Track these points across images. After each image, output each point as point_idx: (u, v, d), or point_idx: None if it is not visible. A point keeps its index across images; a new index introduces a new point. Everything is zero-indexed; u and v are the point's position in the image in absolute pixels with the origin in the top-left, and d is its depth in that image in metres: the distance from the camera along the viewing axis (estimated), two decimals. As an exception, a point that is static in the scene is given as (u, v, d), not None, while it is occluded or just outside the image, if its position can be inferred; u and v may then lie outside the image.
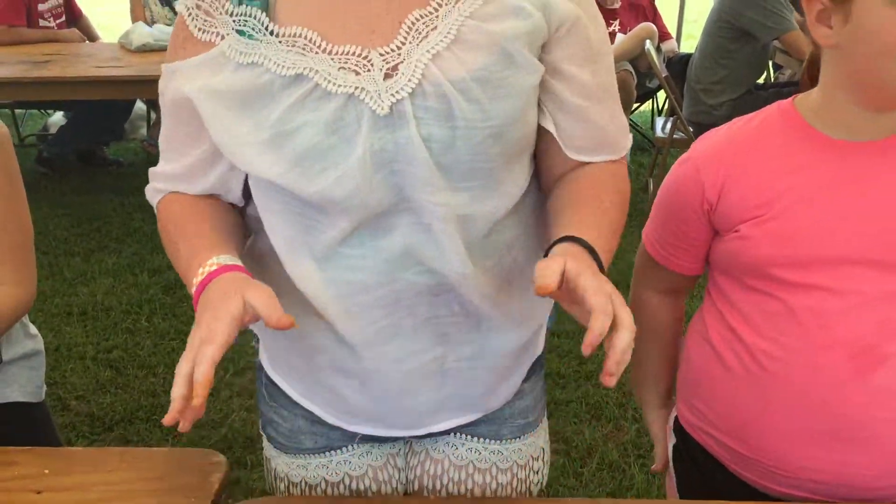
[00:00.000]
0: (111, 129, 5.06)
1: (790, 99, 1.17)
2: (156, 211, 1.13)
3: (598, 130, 1.06)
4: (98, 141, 5.10)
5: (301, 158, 0.94)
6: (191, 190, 1.09)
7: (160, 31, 4.43)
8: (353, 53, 0.95)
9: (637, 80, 4.88)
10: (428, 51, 0.94)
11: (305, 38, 0.95)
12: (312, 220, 1.00)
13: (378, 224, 0.99)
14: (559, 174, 1.09)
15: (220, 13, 0.97)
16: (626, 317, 0.86)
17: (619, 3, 5.23)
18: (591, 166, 1.08)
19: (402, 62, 0.94)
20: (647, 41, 4.39)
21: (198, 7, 0.99)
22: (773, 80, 4.78)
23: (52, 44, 4.58)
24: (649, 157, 4.91)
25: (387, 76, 0.94)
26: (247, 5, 0.97)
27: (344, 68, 0.94)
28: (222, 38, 0.97)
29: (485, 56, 0.94)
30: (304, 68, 0.94)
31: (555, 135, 1.04)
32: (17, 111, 5.53)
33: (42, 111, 5.86)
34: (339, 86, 0.93)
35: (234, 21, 0.97)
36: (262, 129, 0.95)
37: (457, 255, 1.00)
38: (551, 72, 1.00)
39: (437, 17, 0.95)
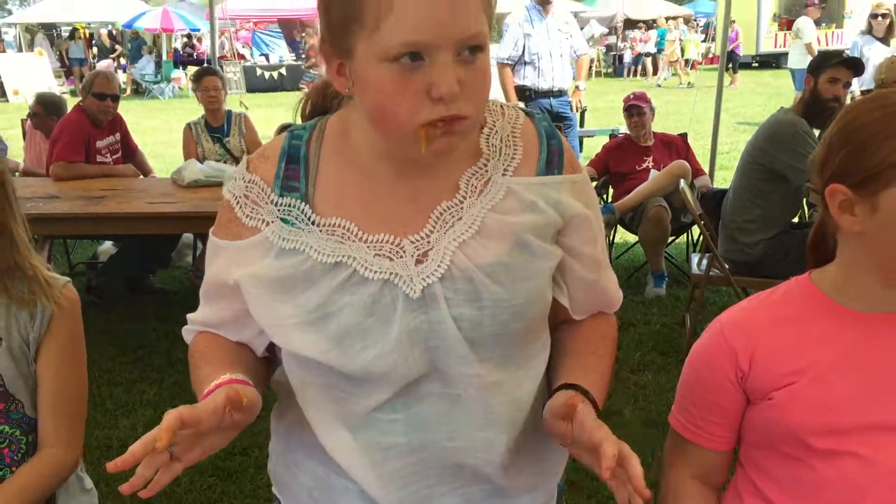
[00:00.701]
0: (159, 258, 5.23)
1: (806, 275, 1.22)
2: (189, 345, 1.21)
3: (604, 296, 1.21)
4: (145, 270, 5.25)
5: (342, 338, 1.02)
6: (220, 333, 1.17)
7: (211, 168, 4.63)
8: (387, 241, 1.04)
9: (671, 216, 4.96)
10: (455, 239, 1.04)
11: (343, 227, 1.05)
12: (347, 393, 1.07)
13: (410, 392, 1.06)
14: (556, 323, 1.20)
15: (266, 203, 1.07)
16: (626, 447, 0.95)
17: (653, 140, 5.39)
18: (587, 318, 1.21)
19: (431, 249, 1.04)
20: (682, 180, 4.49)
21: (245, 197, 1.09)
22: (807, 218, 4.82)
23: (108, 179, 4.79)
24: (685, 289, 4.93)
25: (418, 262, 1.04)
26: (289, 197, 1.07)
27: (379, 255, 1.04)
28: (267, 224, 1.06)
29: (506, 245, 1.05)
30: (343, 256, 1.03)
31: (568, 306, 1.16)
32: (69, 239, 5.74)
33: (93, 239, 6.06)
34: (376, 272, 1.03)
35: (278, 210, 1.06)
36: (305, 311, 1.03)
37: (484, 422, 1.07)
38: (570, 252, 1.12)
39: (461, 208, 1.06)
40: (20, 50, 22.52)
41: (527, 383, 1.13)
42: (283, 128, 4.95)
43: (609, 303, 1.22)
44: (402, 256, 1.04)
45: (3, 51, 22.04)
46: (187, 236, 5.55)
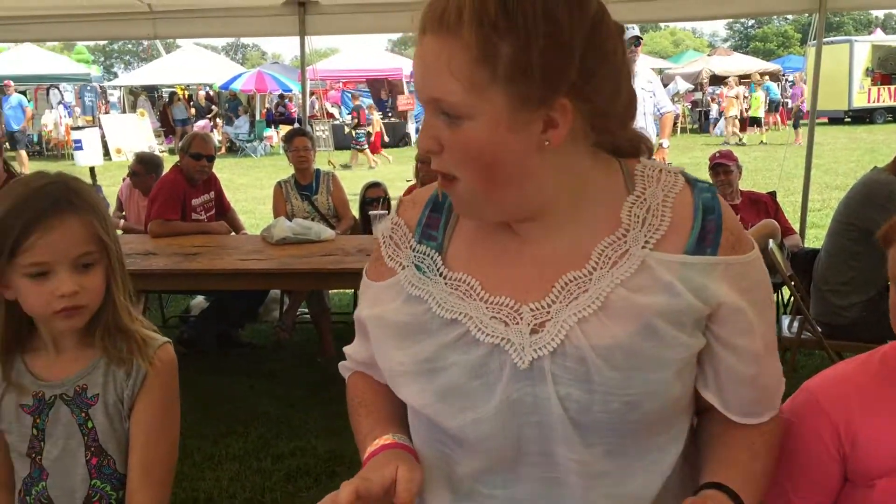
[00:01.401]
0: (248, 312, 5.37)
1: None
2: (346, 383, 1.25)
3: (763, 392, 1.07)
4: (234, 324, 5.39)
5: (445, 395, 1.01)
6: (374, 375, 1.19)
7: (299, 226, 4.75)
8: (506, 305, 1.02)
9: (760, 276, 4.83)
10: (575, 314, 0.98)
11: (467, 284, 1.04)
12: (450, 450, 1.06)
13: (512, 470, 1.02)
14: (707, 407, 1.09)
15: (406, 247, 1.10)
16: None
17: (740, 198, 5.29)
18: None
19: (549, 320, 0.99)
20: (771, 240, 4.38)
21: (391, 238, 1.12)
22: (905, 279, 4.62)
23: (201, 236, 4.97)
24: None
25: (533, 331, 1.00)
26: (426, 245, 1.09)
27: (495, 318, 1.01)
28: (403, 268, 1.09)
29: (630, 326, 0.97)
30: (460, 313, 1.02)
31: (718, 405, 1.05)
32: (164, 294, 5.96)
33: (186, 294, 6.27)
34: (488, 335, 1.00)
35: (415, 256, 1.08)
36: (415, 360, 1.03)
37: None
38: (721, 343, 1.02)
39: (589, 280, 1.00)
40: (124, 111, 23.75)
41: (642, 477, 1.02)
42: (369, 186, 5.06)
43: (770, 401, 1.09)
44: (517, 323, 1.00)
45: (108, 112, 23.27)
46: (274, 292, 5.70)
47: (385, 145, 19.92)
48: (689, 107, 24.75)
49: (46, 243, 1.30)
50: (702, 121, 24.34)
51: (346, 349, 1.24)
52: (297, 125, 12.23)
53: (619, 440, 1.00)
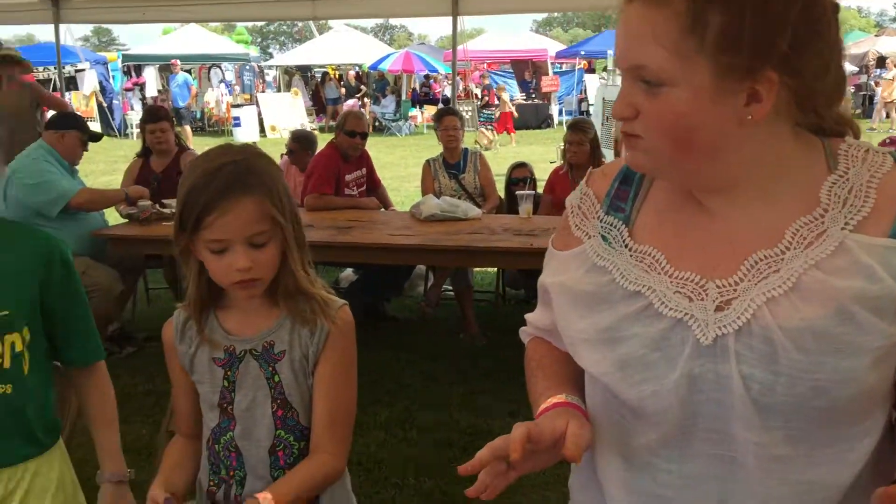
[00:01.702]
0: (394, 286, 5.53)
1: None
2: (526, 347, 1.29)
3: None
4: (381, 297, 5.56)
5: (625, 364, 1.02)
6: (553, 342, 1.23)
7: (447, 203, 4.85)
8: (691, 280, 1.01)
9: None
10: (764, 293, 0.96)
11: (652, 257, 1.05)
12: (626, 420, 1.07)
13: (686, 446, 1.02)
14: None
15: (593, 217, 1.12)
16: None
17: None
18: None
19: (736, 298, 0.98)
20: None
21: (579, 207, 1.15)
22: None
23: (354, 211, 5.16)
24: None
25: (718, 308, 0.98)
26: (613, 216, 1.10)
27: (679, 292, 1.01)
28: (589, 237, 1.11)
29: (822, 310, 0.93)
30: (644, 286, 1.03)
31: None
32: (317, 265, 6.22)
33: (336, 266, 6.52)
34: (671, 309, 1.00)
35: (601, 226, 1.10)
36: (595, 329, 1.05)
37: (761, 498, 0.99)
38: None
39: (782, 259, 0.97)
40: (279, 90, 24.75)
41: (827, 467, 0.98)
42: (516, 166, 5.09)
43: None
44: (702, 299, 0.99)
45: (264, 90, 24.30)
46: (420, 267, 5.83)
47: (527, 127, 19.84)
48: (853, 90, 23.30)
49: (223, 223, 1.39)
50: (865, 105, 22.88)
51: (528, 316, 1.27)
52: (443, 105, 12.40)
53: (803, 425, 0.97)
